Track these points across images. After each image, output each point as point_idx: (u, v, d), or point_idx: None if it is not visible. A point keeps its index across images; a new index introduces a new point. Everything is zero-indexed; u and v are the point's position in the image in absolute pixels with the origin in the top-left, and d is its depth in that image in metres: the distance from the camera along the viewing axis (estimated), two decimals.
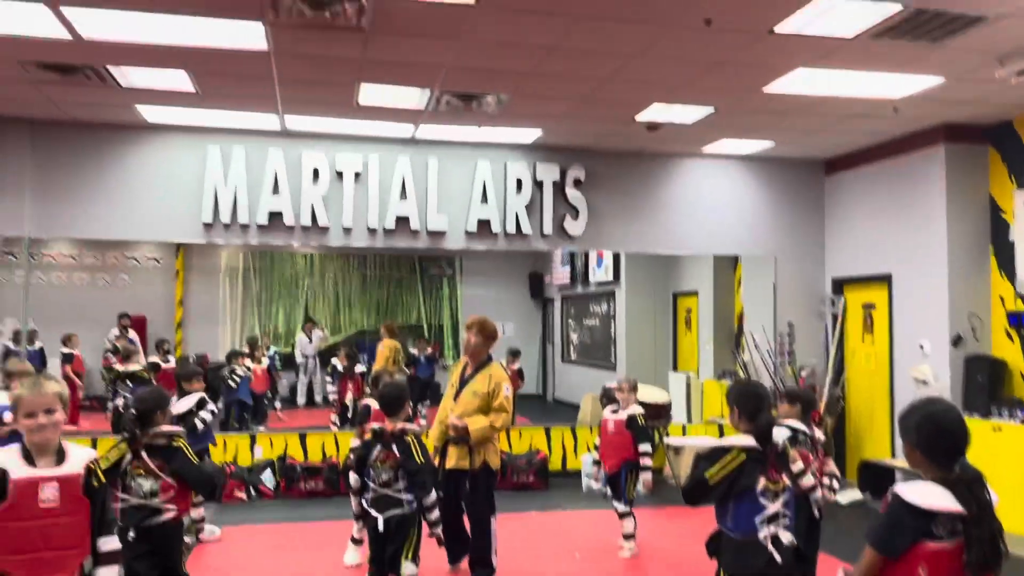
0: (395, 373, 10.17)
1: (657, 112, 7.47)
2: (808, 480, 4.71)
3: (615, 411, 6.37)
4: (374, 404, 5.58)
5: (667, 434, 8.95)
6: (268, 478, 8.07)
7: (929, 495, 2.41)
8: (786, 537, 3.36)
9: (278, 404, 11.45)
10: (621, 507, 6.18)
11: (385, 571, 4.50)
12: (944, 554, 2.38)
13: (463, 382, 5.49)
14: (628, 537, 6.20)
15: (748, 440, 3.40)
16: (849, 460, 8.95)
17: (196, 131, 8.10)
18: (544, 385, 14.38)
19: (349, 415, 9.52)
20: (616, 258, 12.02)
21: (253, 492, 7.95)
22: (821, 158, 9.45)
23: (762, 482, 3.36)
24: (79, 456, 3.02)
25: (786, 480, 3.43)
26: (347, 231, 8.37)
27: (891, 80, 6.49)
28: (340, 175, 8.35)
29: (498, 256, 12.91)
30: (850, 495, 8.16)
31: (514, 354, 10.96)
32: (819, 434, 5.12)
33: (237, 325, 13.05)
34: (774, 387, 9.24)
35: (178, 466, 4.13)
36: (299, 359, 12.77)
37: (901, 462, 7.65)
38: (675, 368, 11.71)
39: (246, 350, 10.57)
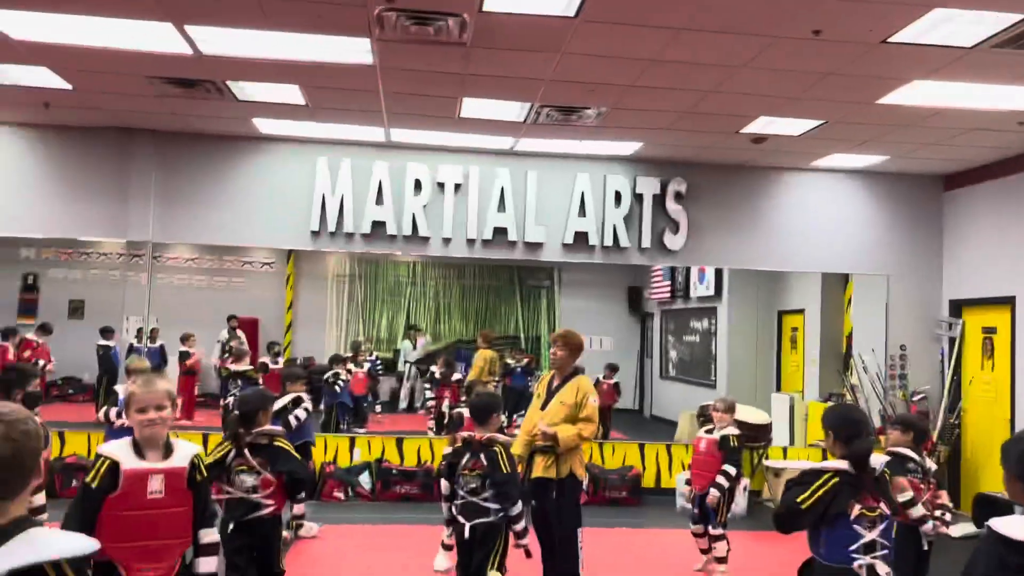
0: (489, 383, 10.32)
1: (763, 125, 7.29)
2: (918, 511, 4.50)
3: (709, 431, 6.23)
4: (467, 413, 5.65)
5: (766, 456, 8.69)
6: (365, 480, 8.28)
7: None
8: (883, 569, 3.20)
9: (378, 408, 11.74)
10: (714, 530, 6.03)
11: None
12: None
13: (550, 393, 5.53)
14: (720, 560, 6.05)
15: (842, 464, 3.26)
16: (964, 491, 8.45)
17: (307, 143, 8.43)
18: (641, 401, 14.19)
19: (445, 422, 9.66)
20: (719, 273, 11.75)
21: (351, 492, 8.17)
22: (940, 173, 8.99)
23: (857, 509, 3.22)
24: (185, 451, 3.19)
25: (884, 508, 3.27)
26: (446, 241, 8.53)
27: (1017, 92, 6.13)
28: (441, 186, 8.53)
29: (597, 269, 12.80)
30: (963, 528, 7.68)
31: (612, 368, 10.91)
32: (931, 464, 4.88)
33: (343, 329, 13.48)
34: (884, 412, 8.84)
35: (283, 465, 4.32)
36: (401, 366, 13.05)
37: None
38: (778, 388, 11.34)
39: (349, 354, 10.88)
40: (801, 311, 10.92)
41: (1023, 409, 7.76)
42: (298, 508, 6.52)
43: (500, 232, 8.57)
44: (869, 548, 3.23)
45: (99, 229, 8.31)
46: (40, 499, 4.31)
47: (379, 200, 8.45)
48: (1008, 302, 8.07)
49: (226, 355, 10.11)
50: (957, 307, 8.88)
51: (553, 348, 5.56)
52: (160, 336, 10.85)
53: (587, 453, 8.52)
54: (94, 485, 2.99)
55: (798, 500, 3.23)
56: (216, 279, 12.83)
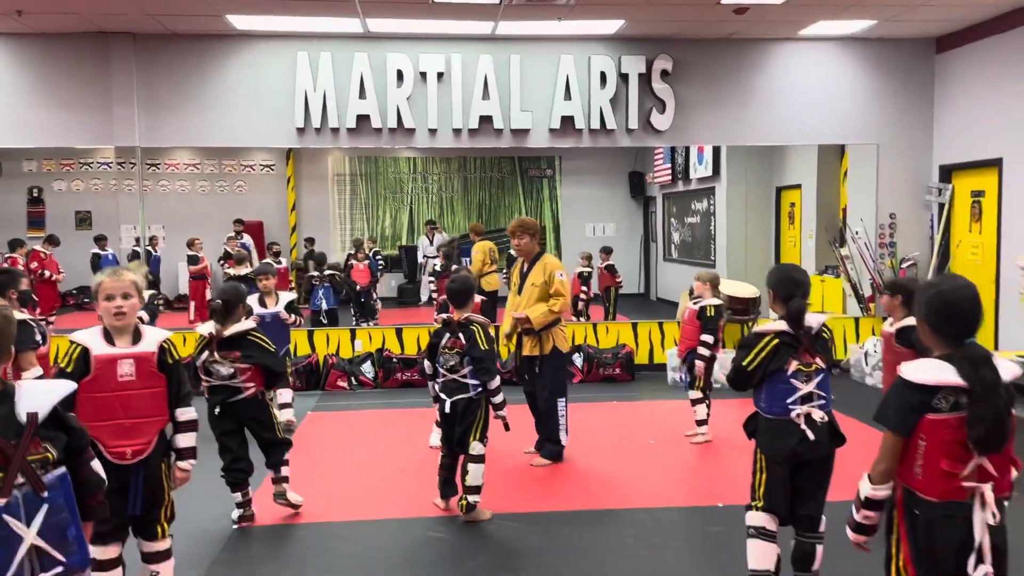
0: (491, 273, 10.48)
1: None
2: None
3: (696, 302, 6.40)
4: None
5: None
6: (368, 369, 8.59)
7: (928, 370, 2.39)
8: (818, 415, 3.38)
9: (378, 305, 11.95)
10: (691, 394, 6.30)
11: (455, 449, 4.81)
12: (941, 424, 2.36)
13: (523, 277, 5.83)
14: (700, 423, 6.32)
15: (780, 324, 3.40)
16: None
17: (285, 38, 8.35)
18: (647, 284, 14.37)
19: None
20: (716, 153, 11.67)
21: (354, 382, 8.50)
22: (931, 36, 8.75)
23: (793, 365, 3.37)
24: (153, 336, 3.36)
25: (819, 363, 3.42)
26: (432, 132, 8.53)
27: None
28: (424, 76, 8.45)
29: (597, 155, 12.81)
30: None
31: (606, 251, 11.09)
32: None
33: (347, 229, 13.64)
34: (872, 281, 8.94)
35: (257, 358, 4.52)
36: (420, 259, 13.26)
37: (1007, 353, 7.31)
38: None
39: (351, 251, 11.00)
40: (798, 186, 10.89)
41: (1008, 271, 7.82)
42: (286, 395, 6.76)
43: (486, 120, 8.54)
44: (806, 399, 3.39)
45: (87, 136, 8.36)
46: None
47: (362, 94, 8.41)
48: (995, 164, 8.02)
49: (221, 260, 10.26)
50: (947, 172, 8.82)
51: (514, 240, 5.86)
52: (160, 245, 11.08)
53: (581, 334, 8.78)
54: (69, 370, 3.19)
55: (744, 363, 3.42)
56: (218, 184, 12.95)
